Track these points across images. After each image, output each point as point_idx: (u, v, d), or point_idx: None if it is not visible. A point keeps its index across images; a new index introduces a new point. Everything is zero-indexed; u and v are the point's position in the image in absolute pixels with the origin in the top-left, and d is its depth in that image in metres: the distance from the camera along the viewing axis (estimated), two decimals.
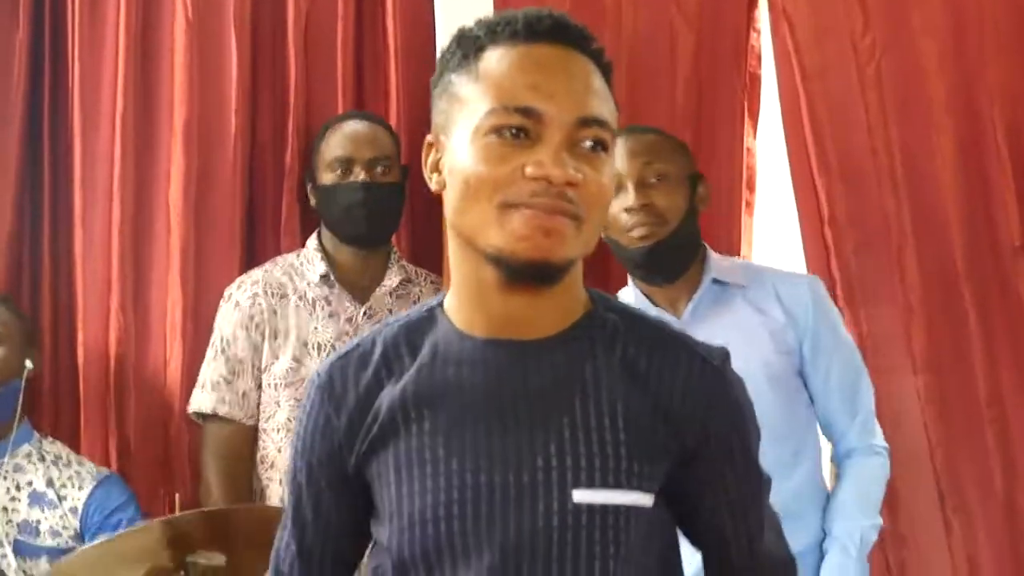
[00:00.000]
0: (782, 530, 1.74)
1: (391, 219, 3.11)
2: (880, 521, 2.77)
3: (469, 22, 1.59)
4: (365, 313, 3.04)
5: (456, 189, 1.52)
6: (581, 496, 1.49)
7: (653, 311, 2.75)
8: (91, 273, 3.29)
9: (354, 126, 3.08)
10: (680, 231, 2.73)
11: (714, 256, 2.83)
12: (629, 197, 2.69)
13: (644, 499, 1.54)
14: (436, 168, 1.59)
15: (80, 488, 3.01)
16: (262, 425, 3.02)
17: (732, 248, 3.26)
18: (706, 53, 3.28)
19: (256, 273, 3.08)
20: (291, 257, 3.13)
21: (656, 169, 2.72)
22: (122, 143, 3.25)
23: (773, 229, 3.02)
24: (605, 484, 1.50)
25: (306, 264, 3.09)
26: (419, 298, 3.09)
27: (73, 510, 2.99)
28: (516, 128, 1.48)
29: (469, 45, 1.56)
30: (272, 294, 3.03)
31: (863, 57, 3.18)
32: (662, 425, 1.54)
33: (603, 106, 1.53)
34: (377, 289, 3.07)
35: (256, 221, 3.33)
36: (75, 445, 3.26)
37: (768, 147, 3.32)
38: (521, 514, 1.49)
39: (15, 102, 3.33)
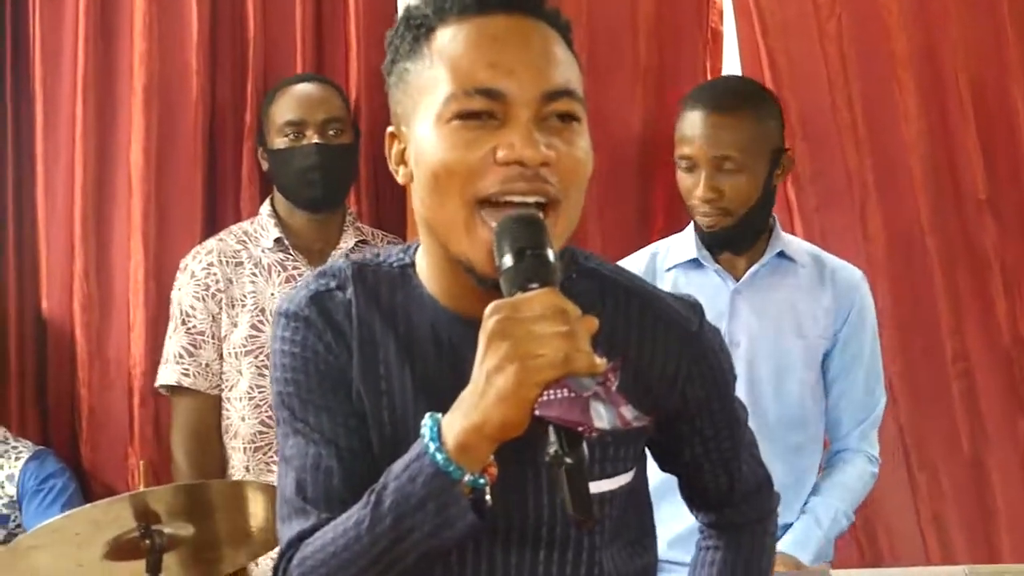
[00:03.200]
0: (757, 450, 1.75)
1: (345, 181, 3.10)
2: (854, 518, 2.80)
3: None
4: None
5: (425, 182, 1.44)
6: None
7: (712, 268, 2.76)
8: (55, 239, 3.27)
9: (304, 88, 3.05)
10: (749, 216, 2.70)
11: (781, 231, 2.81)
12: (699, 186, 2.66)
13: (628, 477, 1.55)
14: (401, 159, 1.52)
15: (17, 459, 3.09)
16: (225, 394, 3.01)
17: None
18: (667, 9, 3.28)
19: (210, 243, 3.07)
20: (245, 225, 3.12)
21: (733, 160, 2.66)
22: (83, 106, 3.22)
23: None
24: (591, 477, 1.44)
25: (260, 230, 3.07)
26: None
27: (10, 477, 3.07)
28: (480, 111, 1.41)
29: (418, 27, 1.47)
30: (227, 263, 3.01)
31: (823, 12, 3.19)
32: (644, 397, 1.50)
33: (568, 75, 1.45)
34: (333, 252, 3.05)
35: (217, 183, 3.29)
36: (43, 412, 3.28)
37: None
38: (510, 507, 1.46)
39: None
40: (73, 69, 3.24)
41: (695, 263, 2.79)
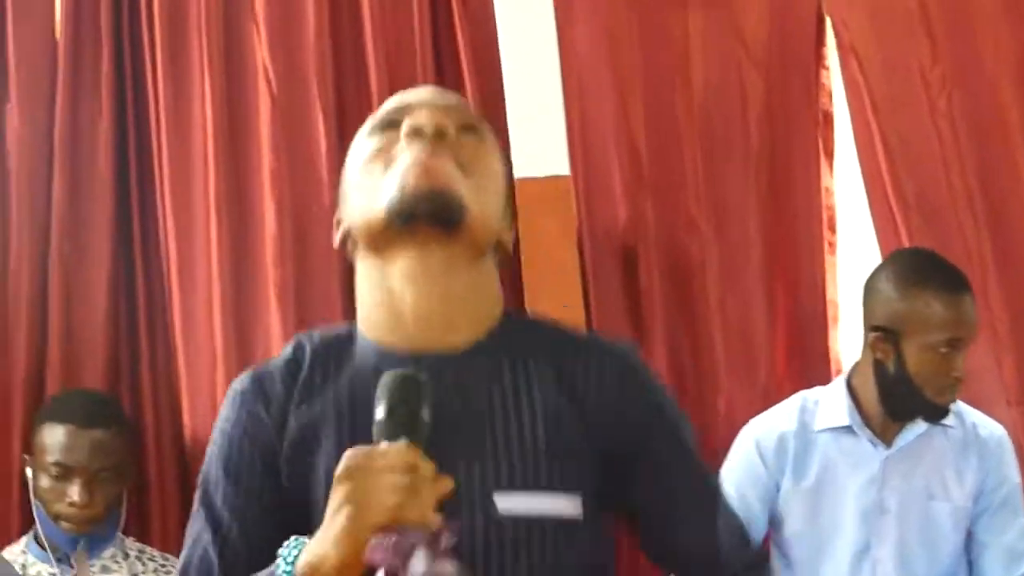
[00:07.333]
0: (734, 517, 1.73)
1: None
2: None
3: None
4: None
5: (351, 194, 1.62)
6: (504, 503, 1.50)
7: (865, 436, 2.80)
8: (194, 351, 3.26)
9: None
10: None
11: None
12: (959, 367, 2.72)
13: (569, 505, 1.54)
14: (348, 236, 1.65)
15: (168, 574, 3.07)
16: None
17: (817, 290, 3.27)
18: (777, 94, 3.30)
19: None
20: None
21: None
22: (217, 222, 3.24)
23: (859, 267, 3.05)
24: (525, 485, 1.52)
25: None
26: None
27: None
28: (388, 122, 1.61)
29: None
30: None
31: (934, 89, 3.21)
32: (579, 422, 1.57)
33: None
34: None
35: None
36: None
37: (848, 184, 3.34)
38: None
39: (103, 193, 3.31)
40: (204, 187, 3.27)
41: (847, 429, 2.83)
